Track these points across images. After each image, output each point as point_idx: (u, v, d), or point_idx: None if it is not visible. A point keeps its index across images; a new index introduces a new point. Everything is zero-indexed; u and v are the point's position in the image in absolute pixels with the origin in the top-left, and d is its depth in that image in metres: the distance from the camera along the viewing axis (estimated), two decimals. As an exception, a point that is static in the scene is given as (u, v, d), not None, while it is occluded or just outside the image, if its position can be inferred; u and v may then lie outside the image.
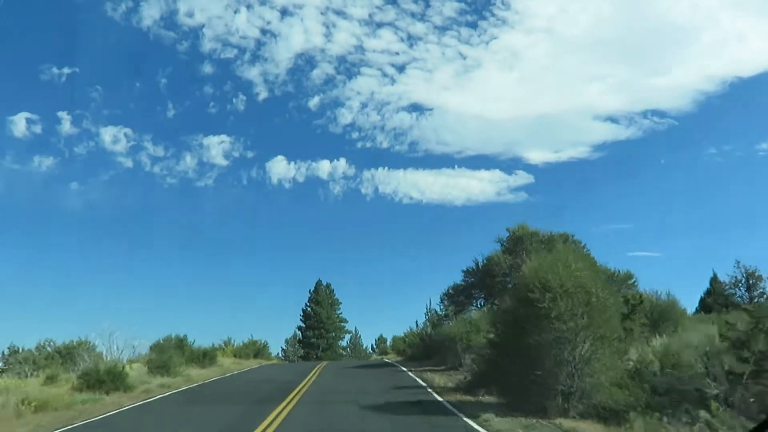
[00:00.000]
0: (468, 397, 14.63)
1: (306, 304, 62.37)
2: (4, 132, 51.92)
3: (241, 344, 41.22)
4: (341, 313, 63.55)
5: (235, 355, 38.07)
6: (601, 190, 61.24)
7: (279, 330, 65.97)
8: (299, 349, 61.61)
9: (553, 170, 55.31)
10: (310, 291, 62.49)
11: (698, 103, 50.78)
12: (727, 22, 51.41)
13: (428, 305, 47.68)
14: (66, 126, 52.64)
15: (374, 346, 65.79)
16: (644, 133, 51.87)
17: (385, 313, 68.79)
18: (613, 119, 51.61)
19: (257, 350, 43.40)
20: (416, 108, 57.06)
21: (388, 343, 64.60)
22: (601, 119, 52.93)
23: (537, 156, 57.99)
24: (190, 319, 61.93)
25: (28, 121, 50.67)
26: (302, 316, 62.38)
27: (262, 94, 55.81)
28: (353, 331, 65.35)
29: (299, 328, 62.28)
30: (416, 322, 44.43)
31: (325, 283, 63.43)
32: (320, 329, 61.81)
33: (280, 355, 60.80)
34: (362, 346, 66.29)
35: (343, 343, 63.84)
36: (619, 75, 55.42)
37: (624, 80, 55.36)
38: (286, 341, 61.68)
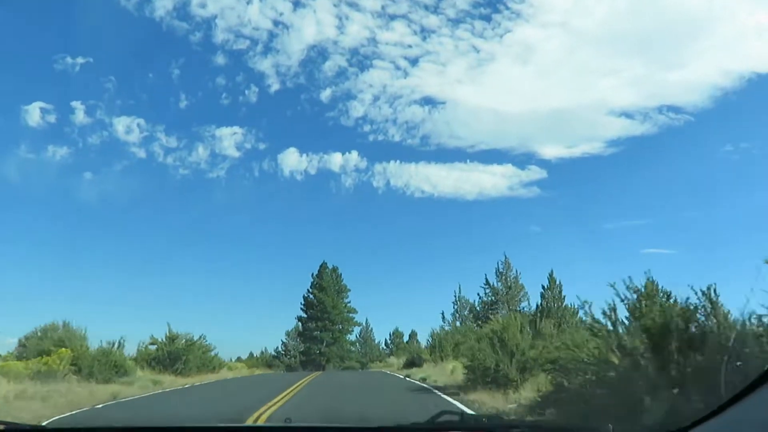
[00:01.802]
0: None
1: (308, 291, 51.58)
2: (18, 121, 52.14)
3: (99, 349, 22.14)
4: (349, 302, 51.50)
5: (90, 373, 26.56)
6: (615, 185, 59.44)
7: (285, 325, 60.30)
8: (300, 344, 51.62)
9: (567, 165, 55.27)
10: (312, 275, 51.35)
11: (715, 99, 48.37)
12: (745, 16, 48.45)
13: (457, 293, 42.07)
14: (80, 116, 52.53)
15: (388, 342, 53.73)
16: (659, 129, 49.37)
17: (396, 308, 65.71)
18: (627, 114, 50.48)
19: (173, 356, 26.22)
20: (429, 101, 56.02)
21: (404, 338, 51.89)
22: (615, 114, 52.29)
23: (550, 151, 57.44)
24: (195, 314, 59.44)
25: (42, 110, 50.37)
26: (303, 305, 51.77)
27: (274, 86, 54.48)
28: (364, 324, 53.48)
29: (299, 318, 52.04)
30: (442, 313, 41.75)
31: (330, 267, 51.66)
32: (324, 320, 50.80)
33: (280, 349, 51.86)
34: (374, 341, 54.41)
35: (352, 337, 52.62)
36: (634, 69, 53.18)
37: (639, 75, 53.17)
38: (287, 333, 52.24)
